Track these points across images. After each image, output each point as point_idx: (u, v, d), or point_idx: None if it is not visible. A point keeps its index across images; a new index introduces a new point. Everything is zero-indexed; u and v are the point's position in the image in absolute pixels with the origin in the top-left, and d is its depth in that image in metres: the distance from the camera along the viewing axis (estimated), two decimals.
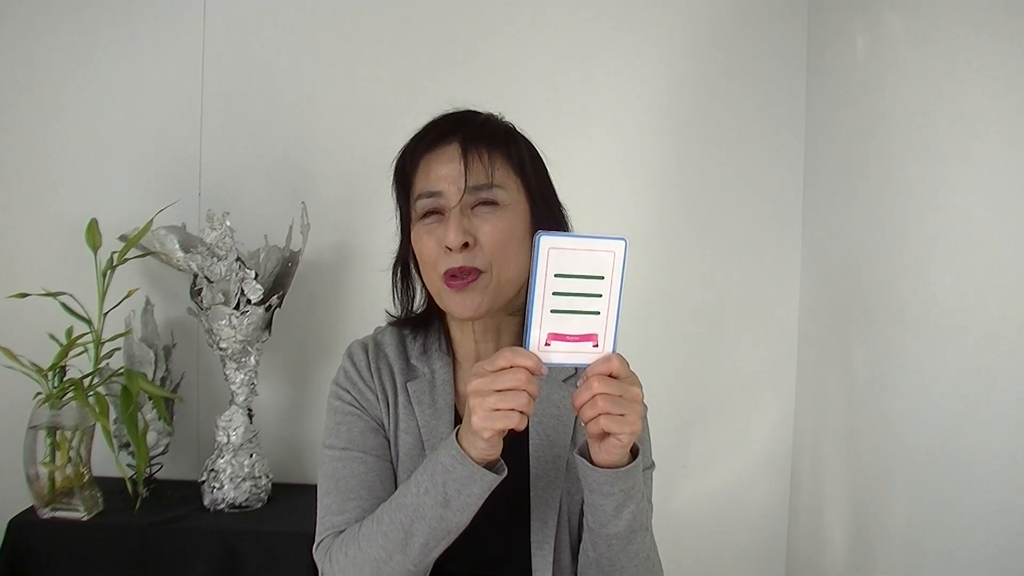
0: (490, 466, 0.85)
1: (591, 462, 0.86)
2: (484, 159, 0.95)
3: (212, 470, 1.66)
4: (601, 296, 0.80)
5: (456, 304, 0.96)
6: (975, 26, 1.20)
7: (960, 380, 1.20)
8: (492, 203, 0.95)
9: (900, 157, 1.40)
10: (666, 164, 1.87)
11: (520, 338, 0.81)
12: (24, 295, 1.58)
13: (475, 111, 1.03)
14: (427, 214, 0.97)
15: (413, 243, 1.00)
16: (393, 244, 1.08)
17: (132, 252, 1.66)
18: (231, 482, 1.64)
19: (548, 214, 1.01)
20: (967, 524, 1.17)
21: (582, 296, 0.79)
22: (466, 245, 0.93)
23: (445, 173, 0.95)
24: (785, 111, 1.84)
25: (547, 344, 0.80)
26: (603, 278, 0.79)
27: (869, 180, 1.52)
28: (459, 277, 0.94)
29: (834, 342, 1.68)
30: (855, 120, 1.59)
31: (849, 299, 1.61)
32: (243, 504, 1.65)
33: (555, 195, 1.04)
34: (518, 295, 0.99)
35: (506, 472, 0.86)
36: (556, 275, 0.78)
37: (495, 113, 1.04)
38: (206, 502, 1.65)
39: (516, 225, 0.95)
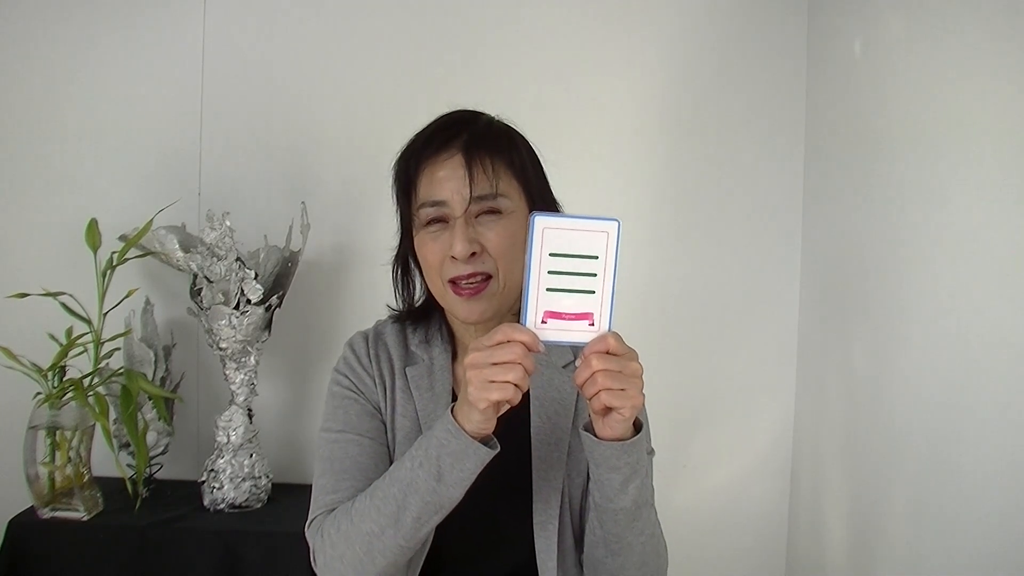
0: (485, 442, 0.86)
1: (596, 437, 0.87)
2: (488, 168, 0.95)
3: (212, 470, 1.66)
4: (596, 276, 0.81)
5: (463, 311, 0.98)
6: (975, 26, 1.20)
7: (960, 380, 1.20)
8: (496, 211, 0.96)
9: (900, 157, 1.40)
10: (666, 164, 1.87)
11: None
12: (24, 295, 1.58)
13: (476, 112, 1.04)
14: (431, 221, 0.97)
15: (416, 248, 1.01)
16: (393, 243, 1.08)
17: (132, 252, 1.66)
18: (231, 482, 1.64)
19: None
20: (967, 524, 1.17)
21: (577, 275, 0.81)
22: (473, 254, 0.94)
23: (449, 183, 0.95)
24: (785, 111, 1.84)
25: (543, 322, 0.82)
26: (597, 258, 0.81)
27: (869, 180, 1.52)
28: (468, 285, 0.95)
29: (834, 342, 1.68)
30: (855, 120, 1.59)
31: (849, 299, 1.61)
32: (243, 504, 1.65)
33: (552, 195, 1.05)
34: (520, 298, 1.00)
35: (499, 448, 0.87)
36: (551, 254, 0.80)
37: (494, 115, 1.04)
38: (206, 502, 1.65)
39: (519, 231, 0.96)
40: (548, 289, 0.81)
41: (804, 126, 1.84)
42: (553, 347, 0.84)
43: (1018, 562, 1.06)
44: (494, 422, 0.85)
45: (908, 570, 1.33)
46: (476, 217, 0.96)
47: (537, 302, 0.81)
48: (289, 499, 1.71)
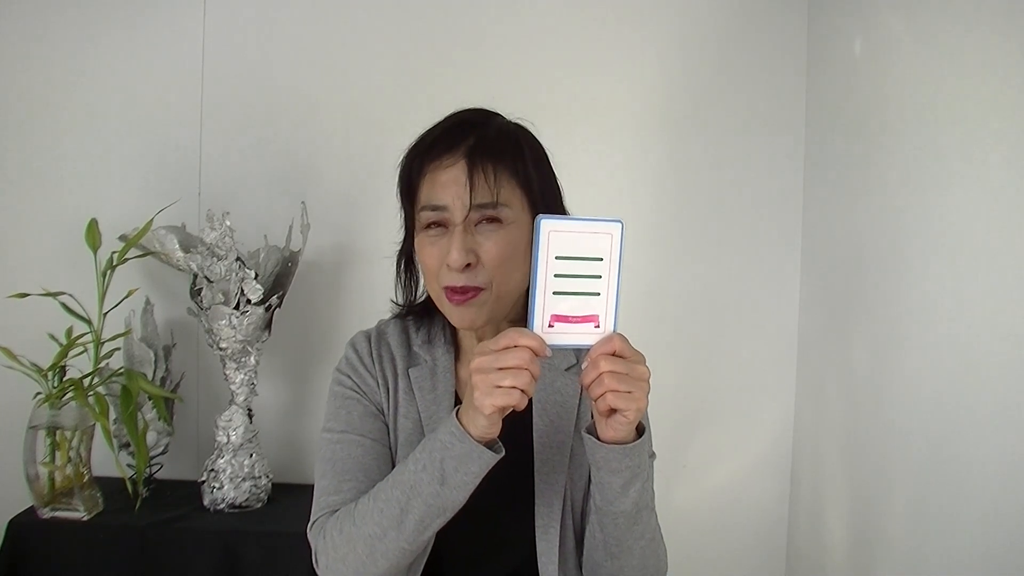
0: (489, 446, 0.86)
1: (598, 439, 0.87)
2: (490, 177, 0.94)
3: (212, 470, 1.66)
4: (601, 277, 0.81)
5: (455, 317, 0.97)
6: (975, 26, 1.20)
7: (959, 380, 1.20)
8: (496, 220, 0.95)
9: (900, 157, 1.40)
10: (666, 164, 1.87)
11: None
12: (24, 295, 1.58)
13: (488, 113, 1.01)
14: (431, 225, 0.97)
15: (416, 250, 1.01)
16: (394, 240, 1.08)
17: (132, 252, 1.66)
18: (231, 482, 1.64)
19: None
20: (966, 523, 1.17)
21: (583, 278, 0.81)
22: (468, 264, 0.93)
23: (451, 188, 0.94)
24: (785, 111, 1.84)
25: (550, 326, 0.82)
26: (602, 260, 0.81)
27: (869, 180, 1.52)
28: (459, 293, 0.95)
29: (834, 342, 1.68)
30: (855, 120, 1.59)
31: (849, 299, 1.61)
32: (243, 504, 1.65)
33: (559, 198, 1.03)
34: (517, 304, 1.00)
35: (504, 452, 0.87)
36: (557, 257, 0.80)
37: (503, 114, 1.02)
38: (206, 502, 1.65)
39: (519, 241, 0.95)
40: (555, 292, 0.81)
41: (804, 126, 1.84)
42: (557, 350, 0.84)
43: (1018, 562, 1.06)
44: (499, 426, 0.84)
45: (908, 570, 1.33)
46: (476, 224, 0.95)
47: (544, 306, 0.81)
48: (289, 499, 1.71)
